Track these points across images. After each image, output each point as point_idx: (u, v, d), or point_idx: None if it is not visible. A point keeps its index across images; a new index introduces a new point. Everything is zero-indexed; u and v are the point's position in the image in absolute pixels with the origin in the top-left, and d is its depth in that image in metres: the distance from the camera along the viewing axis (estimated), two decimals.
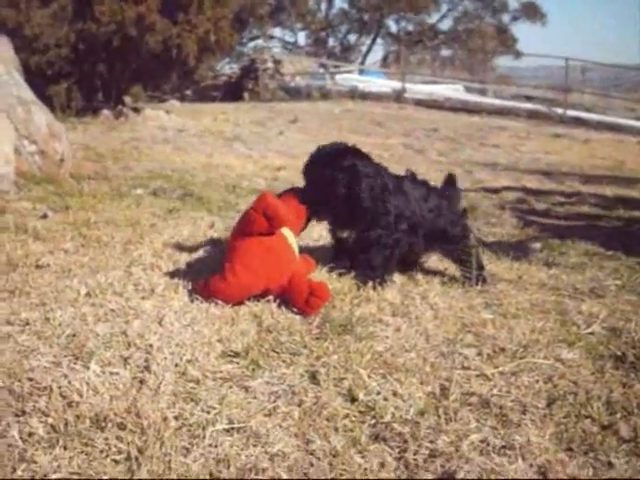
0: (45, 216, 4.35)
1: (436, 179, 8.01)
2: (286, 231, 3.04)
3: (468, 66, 27.97)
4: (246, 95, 18.92)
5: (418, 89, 20.06)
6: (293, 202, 3.18)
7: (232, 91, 19.61)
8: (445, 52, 31.93)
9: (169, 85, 17.67)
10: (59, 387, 2.17)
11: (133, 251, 3.60)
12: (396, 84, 20.52)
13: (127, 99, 14.22)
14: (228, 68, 25.15)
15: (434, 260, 3.93)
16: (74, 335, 2.55)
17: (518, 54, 30.20)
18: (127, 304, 2.86)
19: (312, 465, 1.91)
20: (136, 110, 13.30)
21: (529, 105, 19.27)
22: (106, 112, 13.27)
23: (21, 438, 1.92)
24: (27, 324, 2.64)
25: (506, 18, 32.21)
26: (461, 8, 32.13)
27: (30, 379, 2.21)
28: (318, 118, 14.34)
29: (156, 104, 16.15)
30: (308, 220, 3.31)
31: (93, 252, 3.59)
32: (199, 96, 19.76)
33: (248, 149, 9.88)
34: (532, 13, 31.70)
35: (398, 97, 18.94)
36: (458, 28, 31.69)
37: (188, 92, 20.22)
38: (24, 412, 2.04)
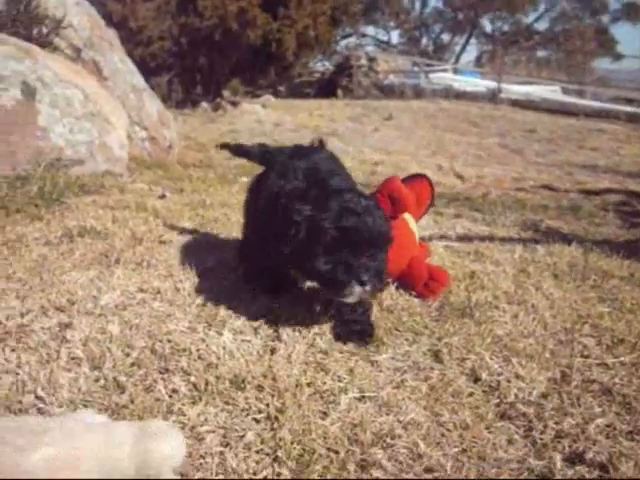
0: (163, 196, 4.54)
1: (537, 179, 7.94)
2: (408, 216, 3.09)
3: (565, 67, 27.29)
4: (339, 92, 19.02)
5: (514, 89, 19.72)
6: (416, 188, 3.22)
7: (325, 88, 19.73)
8: (541, 53, 31.27)
9: (265, 81, 17.94)
10: (197, 350, 2.29)
11: None
12: (491, 84, 20.25)
13: (225, 93, 14.54)
14: (320, 65, 25.28)
15: (542, 254, 3.91)
16: (204, 305, 2.68)
17: (618, 56, 29.31)
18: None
19: (444, 435, 1.95)
20: (234, 104, 13.59)
21: (629, 108, 18.66)
22: (205, 104, 13.62)
23: (167, 393, 2.04)
24: (159, 292, 2.79)
25: (605, 19, 31.31)
26: (559, 8, 31.40)
27: (169, 341, 2.34)
28: (413, 116, 14.30)
29: (251, 99, 16.42)
30: (428, 207, 3.34)
31: (211, 231, 3.73)
32: (292, 92, 19.97)
33: (345, 144, 9.97)
34: (633, 14, 30.67)
35: (493, 97, 18.69)
36: (555, 29, 30.99)
37: (281, 88, 20.46)
38: (167, 370, 2.17)
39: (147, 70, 12.96)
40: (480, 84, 20.74)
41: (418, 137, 11.32)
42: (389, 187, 2.99)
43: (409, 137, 11.12)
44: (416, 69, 23.11)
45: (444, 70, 23.50)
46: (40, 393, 2.00)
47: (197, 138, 9.14)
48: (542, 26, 31.64)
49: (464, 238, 4.10)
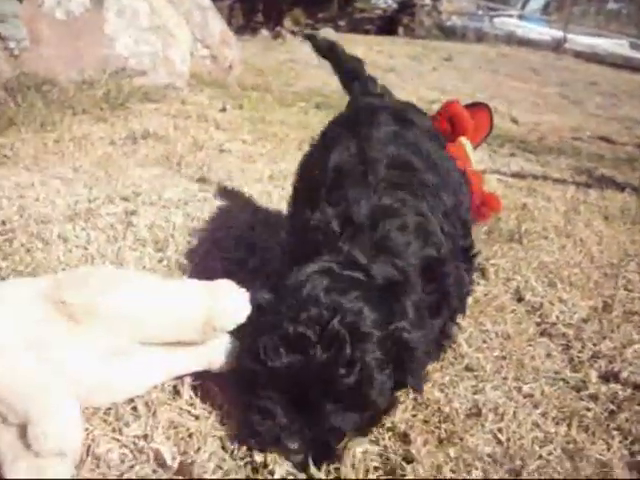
0: (224, 109, 4.62)
1: (595, 131, 7.82)
2: (465, 140, 3.12)
3: (635, 21, 26.35)
4: (400, 30, 18.70)
5: (580, 40, 19.15)
6: (477, 115, 3.24)
7: (386, 25, 19.38)
8: (611, 5, 30.20)
9: (327, 13, 17.70)
10: (258, 243, 2.40)
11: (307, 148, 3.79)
12: (556, 33, 19.69)
13: (286, 22, 14.42)
14: (383, 2, 24.80)
15: (594, 197, 3.91)
16: (259, 209, 2.78)
17: None
18: None
19: (485, 342, 2.04)
20: (293, 33, 13.49)
21: None
22: (265, 32, 13.55)
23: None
24: (218, 194, 2.89)
25: None
26: None
27: (229, 234, 2.46)
28: (473, 59, 14.03)
29: (312, 30, 16.25)
30: (486, 136, 3.36)
31: (270, 145, 3.82)
32: (353, 27, 19.64)
33: (402, 81, 9.88)
34: None
35: (557, 47, 18.19)
36: None
37: (342, 23, 20.17)
38: (227, 259, 2.28)
39: None
40: (545, 32, 20.18)
41: (476, 80, 11.13)
42: (450, 109, 3.03)
43: (467, 79, 10.94)
44: (480, 12, 22.53)
45: (509, 15, 22.85)
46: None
47: (255, 64, 9.13)
48: None
49: (518, 175, 4.12)
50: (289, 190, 3.00)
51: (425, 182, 1.86)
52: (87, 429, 1.44)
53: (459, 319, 1.96)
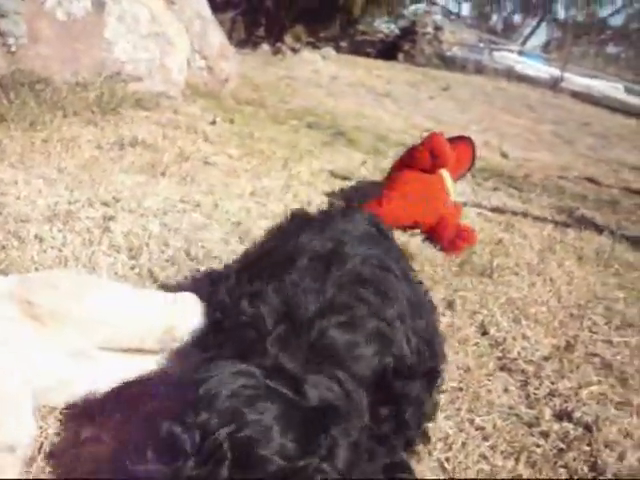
0: (214, 122, 4.67)
1: (583, 171, 7.91)
2: (446, 173, 3.18)
3: (633, 66, 26.69)
4: (401, 56, 18.85)
5: (577, 80, 19.38)
6: (459, 148, 3.31)
7: (387, 50, 19.53)
8: (611, 49, 30.58)
9: (328, 33, 17.83)
10: (227, 259, 2.43)
11: (292, 168, 3.86)
12: (554, 71, 19.92)
13: (287, 39, 14.54)
14: (385, 27, 24.99)
15: (571, 237, 3.96)
16: (240, 223, 2.82)
17: None
18: (287, 210, 3.09)
19: (445, 371, 2.07)
20: (294, 50, 13.60)
21: None
22: (265, 47, 13.65)
23: None
24: (198, 205, 2.95)
25: None
26: (637, 6, 30.53)
27: (203, 247, 2.50)
28: (470, 91, 14.17)
29: (312, 49, 16.39)
30: (468, 170, 3.42)
31: (256, 161, 3.87)
32: (353, 49, 19.77)
33: (398, 107, 9.97)
34: None
35: (554, 85, 18.38)
36: (630, 26, 30.19)
37: (343, 44, 20.33)
38: (198, 271, 2.32)
39: (213, 5, 13.02)
40: (543, 70, 20.42)
41: (472, 112, 11.24)
42: (432, 142, 3.09)
43: (463, 110, 11.05)
44: (481, 45, 22.78)
45: (510, 50, 23.13)
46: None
47: (253, 78, 9.19)
48: (616, 22, 30.83)
49: (498, 209, 4.17)
50: (270, 208, 3.06)
51: (397, 287, 1.56)
52: (41, 427, 1.47)
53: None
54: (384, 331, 1.38)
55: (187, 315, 1.59)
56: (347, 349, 1.29)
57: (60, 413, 1.53)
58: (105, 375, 1.57)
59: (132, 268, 2.24)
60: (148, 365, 1.63)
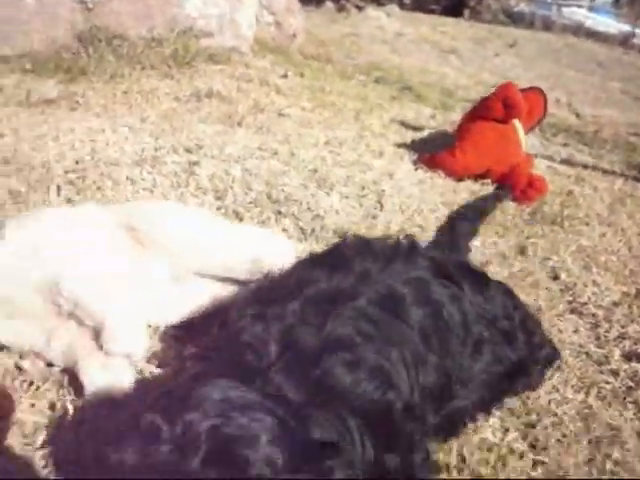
0: (285, 76, 4.76)
1: None
2: (518, 124, 3.20)
3: None
4: (466, 13, 18.51)
5: None
6: (531, 100, 3.31)
7: (452, 7, 19.16)
8: None
9: None
10: (307, 202, 2.55)
11: (364, 120, 3.92)
12: (625, 28, 19.29)
13: None
14: None
15: None
16: (316, 170, 2.92)
17: None
18: (360, 159, 3.19)
19: None
20: (358, 8, 13.49)
21: None
22: (329, 4, 13.57)
23: (277, 231, 2.31)
24: (276, 154, 3.05)
25: None
26: None
27: (283, 190, 2.61)
28: (538, 47, 13.87)
29: (376, 6, 16.22)
30: (539, 121, 3.42)
31: (328, 113, 3.94)
32: (417, 6, 19.45)
33: (463, 64, 9.86)
34: None
35: (625, 41, 17.82)
36: None
37: (407, 1, 20.06)
38: (280, 212, 2.44)
39: None
40: (613, 26, 19.79)
41: (539, 69, 11.02)
42: (504, 91, 3.11)
43: (530, 67, 10.85)
44: (549, 0, 22.18)
45: (578, 6, 22.44)
46: None
47: (319, 35, 9.20)
48: None
49: (567, 162, 4.16)
50: (344, 156, 3.15)
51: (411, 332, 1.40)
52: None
53: None
54: (385, 369, 1.28)
55: (275, 250, 1.71)
56: (347, 385, 1.20)
57: (164, 332, 1.68)
58: (196, 298, 1.70)
59: (218, 208, 2.37)
60: None
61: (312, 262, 1.59)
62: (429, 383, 1.36)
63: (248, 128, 3.38)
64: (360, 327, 1.29)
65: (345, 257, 1.53)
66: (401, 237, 1.71)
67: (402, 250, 1.64)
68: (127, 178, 2.50)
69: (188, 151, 2.87)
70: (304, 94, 4.32)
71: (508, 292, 1.87)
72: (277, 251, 1.71)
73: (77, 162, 2.60)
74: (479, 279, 1.75)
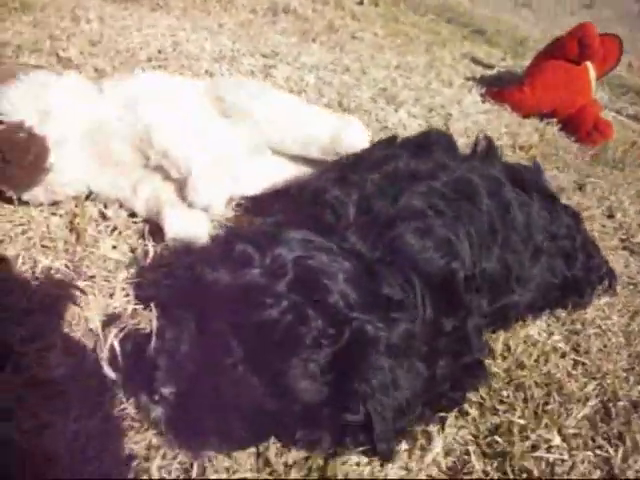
0: (361, 2, 4.77)
1: None
2: (590, 66, 3.19)
3: None
4: None
5: None
6: (606, 45, 3.28)
7: None
8: None
9: None
10: (376, 114, 2.62)
11: (435, 52, 3.94)
12: None
13: None
14: None
15: None
16: (386, 89, 2.97)
17: None
18: (429, 85, 3.22)
19: None
20: None
21: None
22: None
23: None
24: (348, 70, 3.10)
25: None
26: None
27: (354, 101, 2.68)
28: (615, 10, 13.33)
29: None
30: (612, 68, 3.39)
31: (400, 41, 3.97)
32: None
33: (536, 18, 9.64)
34: None
35: None
36: None
37: None
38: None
39: None
40: None
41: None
42: (582, 30, 3.09)
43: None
44: None
45: None
46: None
47: None
48: None
49: (634, 117, 4.14)
50: (414, 80, 3.18)
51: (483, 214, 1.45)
52: None
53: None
54: (451, 241, 1.33)
55: (351, 132, 1.77)
56: (416, 250, 1.26)
57: (237, 204, 1.78)
58: (275, 172, 1.79)
59: None
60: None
61: (395, 143, 1.70)
62: (490, 269, 1.42)
63: (322, 45, 3.44)
64: (433, 202, 1.36)
65: (428, 145, 1.62)
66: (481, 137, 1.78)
67: (481, 149, 1.73)
68: (206, 72, 2.59)
69: (264, 56, 2.94)
70: (377, 22, 4.34)
71: (575, 216, 1.92)
72: (355, 135, 1.77)
73: (160, 51, 2.68)
74: (549, 197, 1.81)
